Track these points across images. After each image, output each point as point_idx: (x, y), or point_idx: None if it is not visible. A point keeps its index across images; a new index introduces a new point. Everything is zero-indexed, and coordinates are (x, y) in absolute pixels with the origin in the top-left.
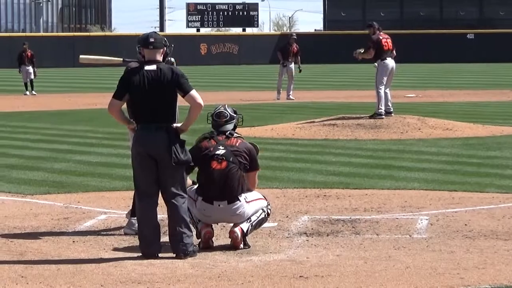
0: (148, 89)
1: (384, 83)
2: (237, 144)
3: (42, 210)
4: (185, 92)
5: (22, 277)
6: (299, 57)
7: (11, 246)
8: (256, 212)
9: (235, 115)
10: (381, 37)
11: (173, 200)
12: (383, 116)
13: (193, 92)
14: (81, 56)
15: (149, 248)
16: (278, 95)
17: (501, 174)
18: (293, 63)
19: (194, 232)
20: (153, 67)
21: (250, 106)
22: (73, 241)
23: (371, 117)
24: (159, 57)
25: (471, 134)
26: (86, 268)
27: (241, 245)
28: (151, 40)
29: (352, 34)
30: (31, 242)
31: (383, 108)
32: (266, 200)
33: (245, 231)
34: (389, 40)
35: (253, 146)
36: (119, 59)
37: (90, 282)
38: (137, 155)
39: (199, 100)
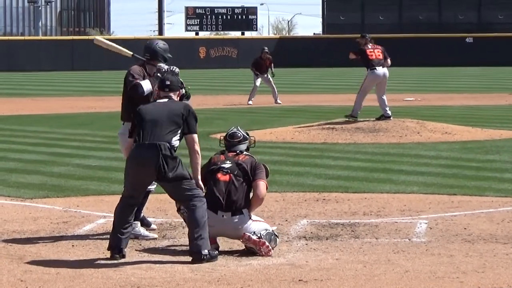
0: (154, 117)
1: (367, 92)
2: (243, 159)
3: (41, 214)
4: (189, 131)
5: (22, 281)
6: (272, 65)
7: (10, 250)
8: (261, 229)
9: (248, 136)
10: (365, 48)
11: (187, 207)
12: (357, 118)
13: (196, 136)
14: (96, 37)
15: (113, 244)
16: (249, 101)
17: (500, 177)
18: (266, 73)
19: None
20: (164, 100)
21: (249, 109)
22: (72, 245)
23: (346, 116)
24: (174, 98)
25: (470, 137)
26: (85, 272)
27: (266, 245)
28: (167, 83)
29: (350, 37)
30: (30, 246)
31: (357, 111)
32: (271, 228)
33: (253, 237)
34: (376, 50)
35: (262, 165)
36: (129, 52)
37: (89, 286)
38: (128, 168)
39: (197, 146)
